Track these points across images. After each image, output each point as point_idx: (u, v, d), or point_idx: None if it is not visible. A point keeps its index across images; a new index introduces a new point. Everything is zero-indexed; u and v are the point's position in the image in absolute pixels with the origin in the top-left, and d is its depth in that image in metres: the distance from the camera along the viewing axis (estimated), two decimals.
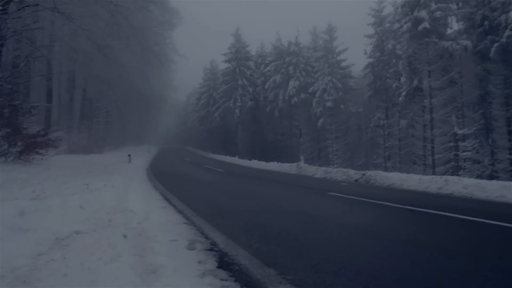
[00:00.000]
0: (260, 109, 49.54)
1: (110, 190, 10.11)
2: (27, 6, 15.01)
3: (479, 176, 21.60)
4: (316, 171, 18.82)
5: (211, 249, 5.08)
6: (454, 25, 27.33)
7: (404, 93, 28.17)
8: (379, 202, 8.97)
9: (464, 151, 23.56)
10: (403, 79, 28.46)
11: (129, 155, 27.45)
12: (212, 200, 10.50)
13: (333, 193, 10.83)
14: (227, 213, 8.09)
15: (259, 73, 50.07)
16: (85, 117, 35.87)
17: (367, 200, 9.34)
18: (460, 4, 26.43)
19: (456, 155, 23.73)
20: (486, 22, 23.85)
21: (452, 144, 24.26)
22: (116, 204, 8.13)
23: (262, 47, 52.73)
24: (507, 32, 21.12)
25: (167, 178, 17.40)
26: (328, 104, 38.69)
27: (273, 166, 24.72)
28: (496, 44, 22.13)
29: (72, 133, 28.83)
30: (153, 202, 9.54)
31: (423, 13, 25.66)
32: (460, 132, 23.33)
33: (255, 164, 27.77)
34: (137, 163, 26.66)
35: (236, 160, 34.17)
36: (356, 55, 39.52)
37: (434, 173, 23.51)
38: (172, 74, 59.47)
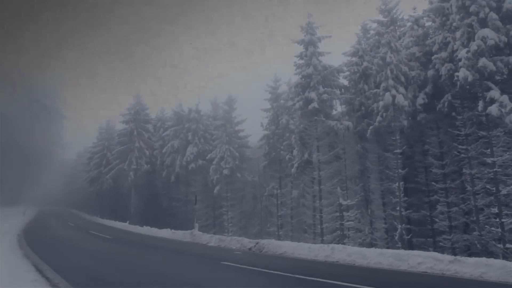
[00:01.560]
0: (156, 173, 48.05)
1: None
2: None
3: (361, 244, 23.47)
4: (210, 239, 18.48)
5: None
6: (338, 108, 30.91)
7: (296, 165, 30.14)
8: (271, 271, 9.06)
9: (348, 221, 25.54)
10: (295, 152, 30.62)
11: None
12: (95, 271, 9.52)
13: (226, 263, 10.65)
14: (112, 286, 7.36)
15: (157, 137, 49.31)
16: None
17: (260, 269, 9.37)
18: (343, 90, 30.25)
19: (342, 224, 25.55)
20: (363, 108, 27.59)
21: (338, 214, 26.14)
22: None
23: (162, 111, 52.64)
24: (378, 118, 24.54)
25: (43, 245, 15.41)
26: (225, 171, 39.31)
27: (166, 233, 23.64)
28: (371, 127, 25.49)
29: None
30: (19, 275, 8.29)
31: (313, 94, 28.65)
32: (344, 203, 25.40)
33: (147, 230, 26.26)
34: (7, 227, 23.31)
35: (126, 226, 31.92)
36: (254, 126, 41.64)
37: (322, 241, 24.82)
38: (64, 130, 55.51)
